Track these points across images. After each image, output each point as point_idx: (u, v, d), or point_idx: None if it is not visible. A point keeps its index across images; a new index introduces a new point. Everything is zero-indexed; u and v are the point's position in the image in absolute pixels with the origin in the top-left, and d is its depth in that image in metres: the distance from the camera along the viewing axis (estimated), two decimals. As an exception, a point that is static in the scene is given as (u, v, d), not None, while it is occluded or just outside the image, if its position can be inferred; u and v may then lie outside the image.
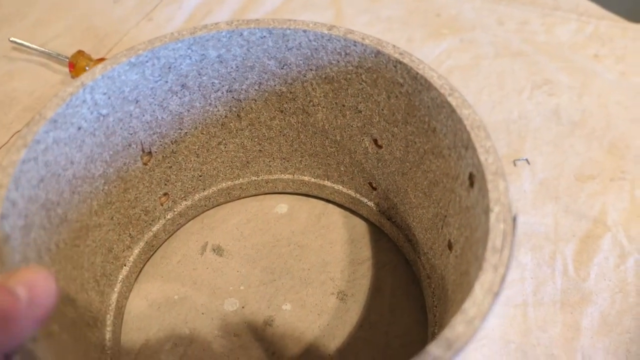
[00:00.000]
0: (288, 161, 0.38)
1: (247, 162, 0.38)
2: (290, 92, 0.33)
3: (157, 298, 0.35)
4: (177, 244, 0.37)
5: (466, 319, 0.19)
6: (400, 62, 0.28)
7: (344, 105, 0.33)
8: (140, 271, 0.36)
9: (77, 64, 0.45)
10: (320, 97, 0.33)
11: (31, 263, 0.24)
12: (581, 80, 0.48)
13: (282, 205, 0.39)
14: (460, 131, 0.25)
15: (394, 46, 0.28)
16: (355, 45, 0.29)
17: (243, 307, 0.34)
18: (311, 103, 0.33)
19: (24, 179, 0.24)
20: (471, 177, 0.25)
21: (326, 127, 0.34)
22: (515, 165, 0.41)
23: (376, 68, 0.29)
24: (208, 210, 0.39)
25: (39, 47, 0.48)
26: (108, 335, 0.32)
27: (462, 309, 0.19)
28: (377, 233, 0.38)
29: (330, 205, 0.39)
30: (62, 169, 0.27)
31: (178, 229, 0.38)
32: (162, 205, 0.36)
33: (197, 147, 0.35)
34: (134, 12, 0.54)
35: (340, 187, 0.38)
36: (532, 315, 0.34)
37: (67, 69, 0.47)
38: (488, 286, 0.20)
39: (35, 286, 0.18)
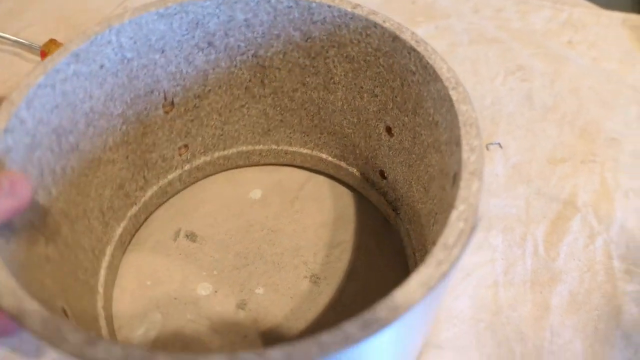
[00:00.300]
0: (308, 136, 0.38)
1: (269, 129, 0.38)
2: (313, 67, 0.33)
3: (130, 284, 0.35)
4: (150, 231, 0.37)
5: (390, 306, 0.18)
6: (414, 50, 0.27)
7: (362, 87, 0.33)
8: (150, 215, 0.38)
9: (49, 52, 0.45)
10: (341, 75, 0.33)
11: (31, 179, 0.26)
12: (554, 66, 0.48)
13: (256, 190, 0.39)
14: (456, 127, 0.25)
15: (412, 33, 0.28)
16: (375, 27, 0.29)
17: (216, 292, 0.34)
18: (332, 80, 0.34)
19: (37, 102, 0.26)
20: (455, 175, 0.25)
21: (345, 107, 0.35)
22: (488, 149, 0.42)
23: (393, 53, 0.29)
24: (227, 170, 0.40)
25: (11, 37, 0.48)
26: (105, 264, 0.33)
27: (391, 295, 0.19)
28: (351, 216, 0.38)
29: (303, 191, 0.39)
30: (79, 101, 0.28)
31: (194, 182, 0.40)
32: (180, 155, 0.37)
33: (220, 106, 0.36)
34: (108, 0, 0.53)
35: (354, 170, 0.38)
36: (503, 295, 0.34)
37: (39, 58, 0.47)
38: (425, 280, 0.19)
39: (16, 182, 0.22)
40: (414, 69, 0.28)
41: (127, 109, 0.31)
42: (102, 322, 0.31)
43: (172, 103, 0.34)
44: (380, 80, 0.31)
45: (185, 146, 0.37)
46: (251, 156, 0.40)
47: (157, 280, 0.35)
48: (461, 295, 0.34)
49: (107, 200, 0.33)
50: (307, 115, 0.37)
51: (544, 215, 0.38)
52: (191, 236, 0.37)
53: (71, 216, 0.30)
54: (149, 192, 0.36)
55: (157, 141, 0.35)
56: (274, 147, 0.39)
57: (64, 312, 0.26)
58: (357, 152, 0.37)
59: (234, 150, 0.39)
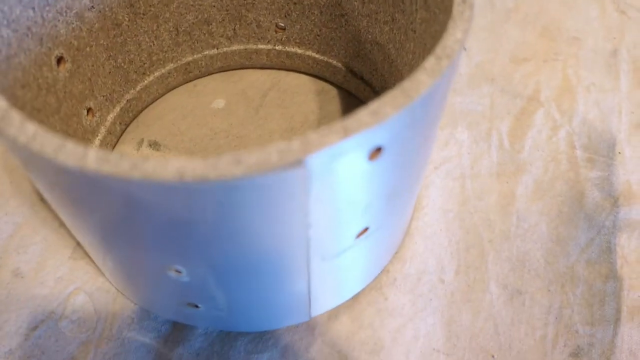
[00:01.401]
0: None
1: (357, 56, 0.36)
2: None
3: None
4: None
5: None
6: None
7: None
8: (222, 71, 0.39)
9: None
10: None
11: None
12: (515, -30, 0.48)
13: (218, 100, 0.38)
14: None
15: None
16: None
17: (183, 197, 0.34)
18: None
19: None
20: None
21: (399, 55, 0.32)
22: (451, 51, 0.42)
23: None
24: (307, 74, 0.40)
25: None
26: (157, 74, 0.36)
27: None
28: (318, 121, 0.37)
29: (268, 97, 0.39)
30: None
31: (280, 68, 0.40)
32: (276, 33, 0.37)
33: (323, 3, 0.35)
34: None
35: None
36: (470, 187, 0.35)
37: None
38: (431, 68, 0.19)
39: None
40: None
41: None
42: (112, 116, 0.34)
43: None
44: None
45: (283, 28, 0.37)
46: (337, 75, 0.38)
47: (121, 189, 0.34)
48: (429, 186, 0.34)
49: (187, 23, 0.34)
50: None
51: (508, 111, 0.38)
52: (154, 145, 0.36)
53: (138, 11, 0.32)
54: (234, 47, 0.37)
55: (256, 4, 0.35)
56: (334, 62, 0.38)
57: (60, 58, 0.28)
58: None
59: (327, 60, 0.38)
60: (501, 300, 0.31)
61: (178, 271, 0.22)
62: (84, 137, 0.32)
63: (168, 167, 0.15)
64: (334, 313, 0.30)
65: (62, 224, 0.32)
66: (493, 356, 0.29)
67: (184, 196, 0.16)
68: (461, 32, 0.20)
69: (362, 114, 0.17)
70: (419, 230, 0.33)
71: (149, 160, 0.16)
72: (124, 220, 0.19)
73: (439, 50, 0.19)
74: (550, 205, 0.34)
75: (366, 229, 0.23)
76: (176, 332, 0.29)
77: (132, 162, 0.16)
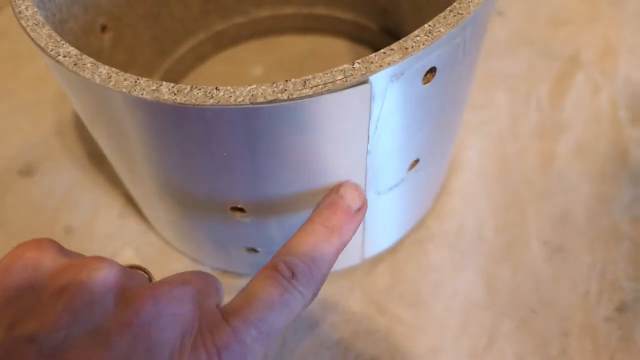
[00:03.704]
0: None
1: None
2: None
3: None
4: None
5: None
6: None
7: None
8: (255, 39, 0.41)
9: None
10: None
11: None
12: (553, -64, 0.47)
13: (256, 68, 0.39)
14: None
15: None
16: None
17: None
18: None
19: None
20: None
21: None
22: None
23: None
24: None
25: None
26: (186, 48, 0.38)
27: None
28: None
29: (305, 65, 0.39)
30: None
31: (313, 32, 0.41)
32: None
33: None
34: None
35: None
36: (509, 147, 0.34)
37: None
38: None
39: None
40: None
41: None
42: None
43: None
44: None
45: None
46: (370, 34, 0.40)
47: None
48: (468, 148, 0.34)
49: None
50: None
51: (548, 73, 0.38)
52: (195, 111, 0.37)
53: None
54: (262, 13, 0.39)
55: None
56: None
57: (104, 27, 0.30)
58: None
59: (357, 19, 0.40)
60: (542, 256, 0.30)
61: (241, 210, 0.23)
62: None
63: (240, 92, 0.16)
64: (374, 266, 0.30)
65: (112, 185, 0.33)
66: (534, 311, 0.29)
67: (253, 120, 0.17)
68: None
69: (418, 34, 0.18)
70: (457, 190, 0.33)
71: (220, 88, 0.17)
72: (195, 153, 0.20)
73: None
74: (593, 165, 0.34)
75: (417, 161, 0.24)
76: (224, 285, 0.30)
77: (204, 90, 0.17)
